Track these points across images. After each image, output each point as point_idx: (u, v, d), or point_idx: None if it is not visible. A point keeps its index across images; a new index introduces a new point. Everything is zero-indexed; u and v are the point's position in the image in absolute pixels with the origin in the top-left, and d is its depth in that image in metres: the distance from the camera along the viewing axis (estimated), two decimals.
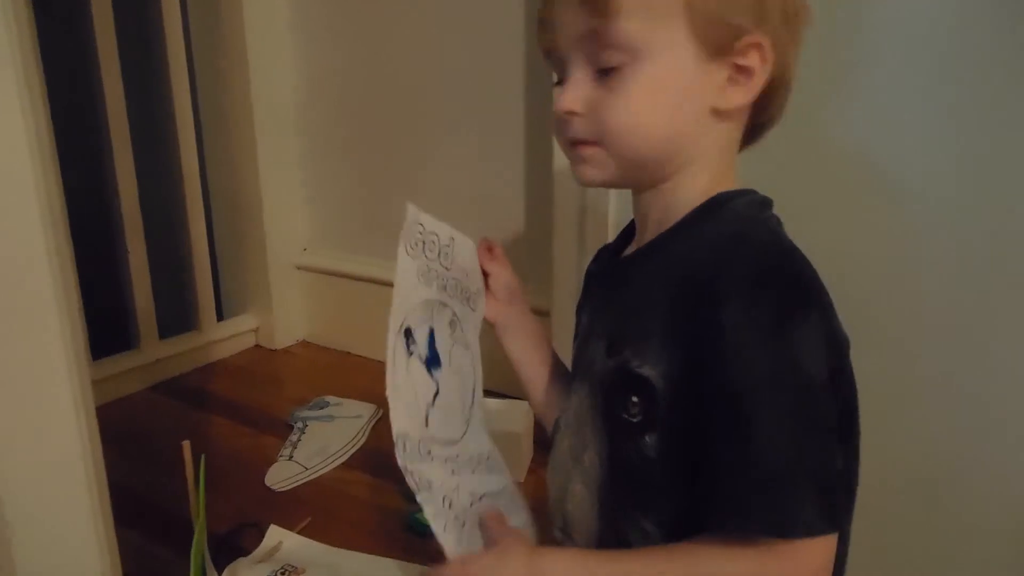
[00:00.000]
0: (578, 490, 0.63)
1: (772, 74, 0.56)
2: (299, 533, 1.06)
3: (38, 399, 0.68)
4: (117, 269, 1.56)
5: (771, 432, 0.49)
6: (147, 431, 1.39)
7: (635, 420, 0.56)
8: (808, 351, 0.50)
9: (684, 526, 0.53)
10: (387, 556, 1.01)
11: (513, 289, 0.77)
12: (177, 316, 1.69)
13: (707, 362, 0.51)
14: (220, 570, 0.93)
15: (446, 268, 0.71)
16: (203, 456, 0.80)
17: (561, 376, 0.77)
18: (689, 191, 0.59)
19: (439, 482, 0.65)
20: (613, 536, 0.60)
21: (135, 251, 1.54)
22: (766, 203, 0.61)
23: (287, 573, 0.94)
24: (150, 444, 1.31)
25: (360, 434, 1.34)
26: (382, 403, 1.49)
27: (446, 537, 0.63)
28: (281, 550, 1.02)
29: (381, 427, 1.39)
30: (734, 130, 0.60)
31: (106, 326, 1.54)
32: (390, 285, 0.67)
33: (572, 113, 0.58)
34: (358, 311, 1.69)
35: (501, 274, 0.76)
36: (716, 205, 0.58)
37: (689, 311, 0.52)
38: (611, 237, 1.17)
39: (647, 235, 0.62)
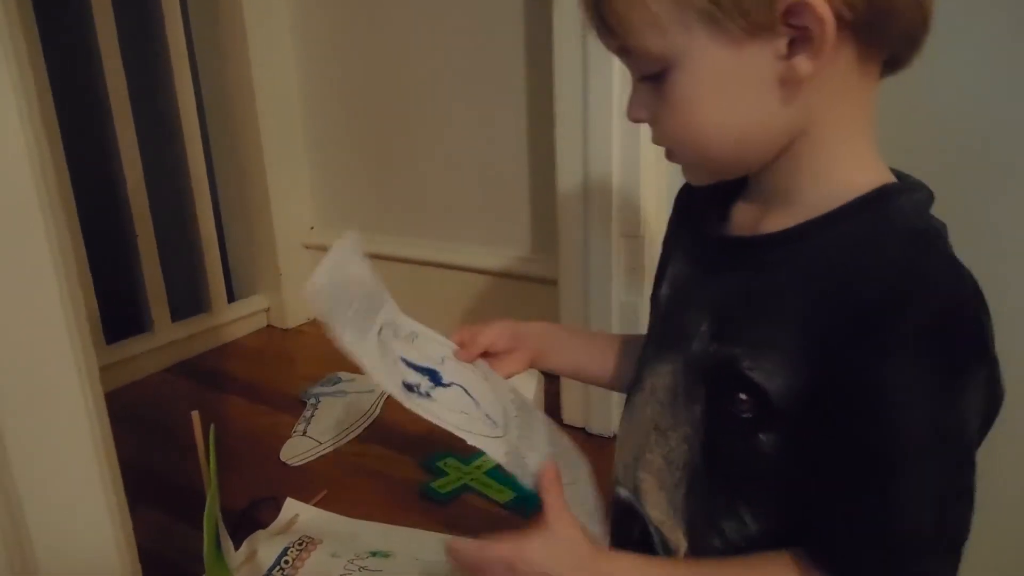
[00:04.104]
0: (657, 463, 0.59)
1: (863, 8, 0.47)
2: (315, 506, 1.08)
3: (45, 378, 0.69)
4: (128, 254, 1.57)
5: (921, 494, 0.46)
6: (162, 412, 1.41)
7: (745, 416, 0.51)
8: (972, 411, 0.46)
9: (781, 521, 0.52)
10: (403, 525, 1.03)
11: (509, 334, 0.72)
12: (189, 299, 1.70)
13: (858, 408, 0.46)
14: (238, 544, 0.94)
15: (350, 303, 0.63)
16: (212, 425, 0.81)
17: (622, 346, 0.74)
18: (817, 159, 0.52)
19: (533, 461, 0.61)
20: (703, 521, 0.56)
21: (143, 235, 1.55)
22: (930, 202, 0.52)
23: (304, 544, 0.96)
24: (166, 424, 1.33)
25: (373, 408, 1.36)
26: None
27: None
28: (298, 523, 1.04)
29: (393, 400, 1.39)
30: (851, 89, 0.51)
31: (120, 310, 1.56)
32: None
33: (639, 121, 0.55)
34: None
35: (488, 337, 0.71)
36: (880, 200, 0.50)
37: (840, 340, 0.46)
38: (616, 205, 1.18)
39: (776, 202, 0.55)
